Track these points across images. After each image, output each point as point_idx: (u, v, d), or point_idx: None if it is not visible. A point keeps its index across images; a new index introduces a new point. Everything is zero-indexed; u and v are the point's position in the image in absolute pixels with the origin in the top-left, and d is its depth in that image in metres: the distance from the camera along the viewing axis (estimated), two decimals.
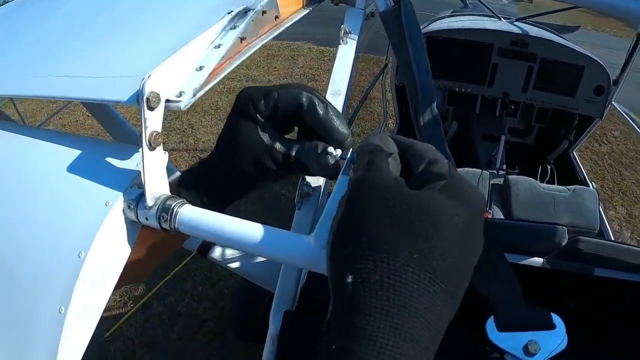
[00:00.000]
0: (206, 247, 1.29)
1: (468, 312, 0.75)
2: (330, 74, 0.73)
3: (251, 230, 0.44)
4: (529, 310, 0.75)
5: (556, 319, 0.73)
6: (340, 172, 0.47)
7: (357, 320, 0.34)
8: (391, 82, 3.34)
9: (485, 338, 0.71)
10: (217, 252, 1.40)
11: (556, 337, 0.71)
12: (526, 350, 0.69)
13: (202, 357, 2.79)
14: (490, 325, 0.72)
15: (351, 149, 0.50)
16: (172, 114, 5.47)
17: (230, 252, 1.43)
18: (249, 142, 0.53)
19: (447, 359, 0.68)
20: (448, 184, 0.39)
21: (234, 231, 0.44)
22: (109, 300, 0.48)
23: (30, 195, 0.49)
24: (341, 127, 0.54)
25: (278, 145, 0.54)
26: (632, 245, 1.31)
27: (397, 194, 0.37)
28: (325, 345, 0.35)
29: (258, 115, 0.53)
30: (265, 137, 0.53)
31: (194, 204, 0.49)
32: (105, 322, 2.86)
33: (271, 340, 0.70)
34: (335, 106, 0.65)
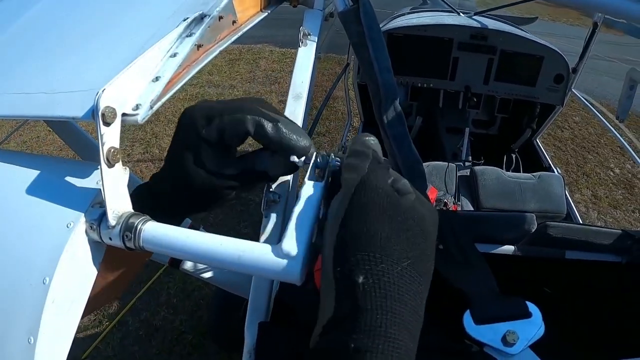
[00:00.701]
0: (177, 258, 1.28)
1: (446, 309, 0.75)
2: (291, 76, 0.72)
3: (218, 244, 0.43)
4: (505, 301, 0.75)
5: (532, 307, 0.74)
6: (307, 177, 0.47)
7: (370, 319, 0.36)
8: (353, 81, 3.36)
9: (464, 332, 0.71)
10: (189, 264, 1.38)
11: (533, 326, 0.72)
12: (505, 340, 0.70)
13: None
14: (467, 319, 0.72)
15: (315, 153, 0.49)
16: (134, 125, 5.38)
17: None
18: (196, 172, 0.52)
19: (427, 358, 0.68)
20: (418, 196, 0.44)
21: (201, 247, 0.43)
22: (83, 321, 0.46)
23: None
24: (298, 141, 0.51)
25: (229, 170, 0.53)
26: (600, 227, 1.33)
27: (398, 204, 0.41)
28: (338, 344, 0.36)
29: (203, 142, 0.51)
30: (213, 164, 0.52)
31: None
32: (81, 343, 2.79)
33: (248, 354, 0.69)
34: (297, 109, 0.65)
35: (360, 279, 0.37)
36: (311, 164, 0.48)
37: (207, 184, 0.52)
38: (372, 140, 0.47)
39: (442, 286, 0.79)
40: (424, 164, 2.83)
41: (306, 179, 0.47)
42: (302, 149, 0.51)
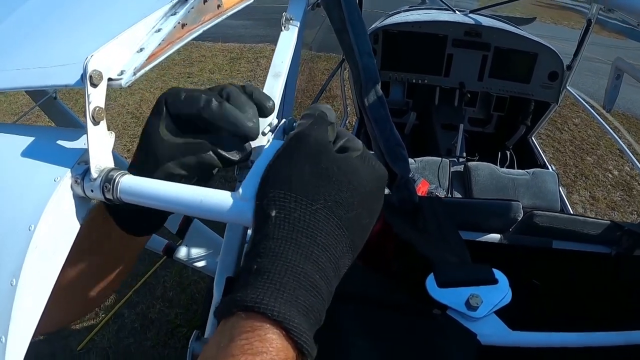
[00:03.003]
0: (171, 247, 1.30)
1: (410, 272, 0.78)
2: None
3: (184, 192, 0.47)
4: (470, 267, 0.77)
5: (498, 274, 0.75)
6: (273, 137, 0.51)
7: (275, 246, 0.40)
8: (350, 78, 3.37)
9: (426, 295, 0.73)
10: (182, 252, 1.40)
11: (499, 291, 0.73)
12: (468, 304, 0.71)
13: None
14: (431, 282, 0.74)
15: (284, 120, 0.53)
16: (135, 121, 5.44)
17: (195, 251, 1.43)
18: (157, 136, 0.55)
19: (386, 315, 0.70)
20: (364, 153, 0.47)
21: (169, 194, 0.47)
22: None
23: None
24: (243, 120, 0.54)
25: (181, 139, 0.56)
26: (587, 217, 1.34)
27: (326, 152, 0.45)
28: (245, 268, 0.41)
29: (166, 112, 0.55)
30: (171, 132, 0.55)
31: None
32: (77, 335, 2.83)
33: (214, 307, 0.72)
34: (275, 86, 0.69)
35: (274, 213, 0.42)
36: (278, 128, 0.53)
37: (165, 147, 0.55)
38: (324, 107, 0.52)
39: (413, 256, 0.82)
40: (417, 159, 2.84)
41: (273, 138, 0.51)
42: (248, 130, 0.54)
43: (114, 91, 5.34)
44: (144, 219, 0.60)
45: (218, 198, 0.46)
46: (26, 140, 0.53)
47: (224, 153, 0.55)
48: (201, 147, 0.55)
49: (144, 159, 0.56)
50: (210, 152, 0.55)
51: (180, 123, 0.56)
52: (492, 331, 0.72)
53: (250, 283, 0.39)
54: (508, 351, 0.73)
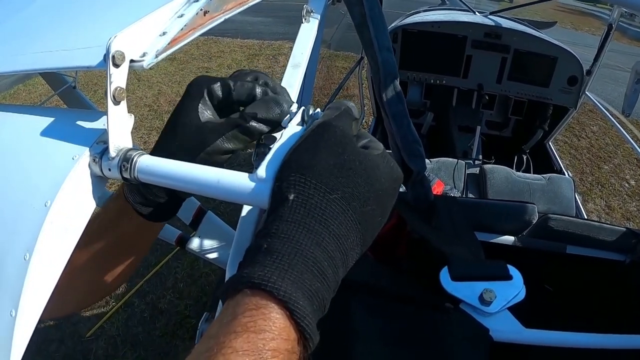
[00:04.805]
0: (184, 238, 1.30)
1: (422, 267, 0.77)
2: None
3: (202, 172, 0.48)
4: (484, 262, 0.76)
5: (513, 270, 0.75)
6: (296, 123, 0.52)
7: (287, 229, 0.41)
8: (368, 76, 3.37)
9: (439, 288, 0.72)
10: (195, 244, 1.41)
11: (513, 288, 0.73)
12: (482, 299, 0.71)
13: (185, 354, 2.77)
14: (444, 275, 0.73)
15: (303, 107, 0.54)
16: (152, 114, 5.48)
17: (208, 243, 1.44)
18: (193, 119, 0.58)
19: (396, 307, 0.70)
20: (384, 153, 0.48)
21: (186, 174, 0.48)
22: None
23: (2, 152, 0.52)
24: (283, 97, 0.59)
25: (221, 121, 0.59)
26: (603, 223, 1.32)
27: (351, 145, 0.46)
28: (254, 246, 0.41)
29: (206, 95, 0.59)
30: (213, 116, 0.59)
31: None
32: (87, 322, 2.86)
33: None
34: (294, 76, 0.70)
35: (292, 196, 0.42)
36: (300, 114, 0.53)
37: (201, 131, 0.58)
38: (349, 103, 0.53)
39: (426, 252, 0.82)
40: (433, 159, 2.82)
41: (296, 125, 0.52)
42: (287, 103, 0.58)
43: (132, 83, 5.37)
44: (159, 205, 0.61)
45: (235, 178, 0.47)
46: (46, 120, 0.54)
47: (265, 116, 0.57)
48: (243, 117, 0.57)
49: (183, 142, 0.58)
50: (252, 121, 0.57)
51: (217, 106, 0.60)
52: (505, 327, 0.71)
53: (259, 261, 0.39)
54: (519, 349, 0.73)
